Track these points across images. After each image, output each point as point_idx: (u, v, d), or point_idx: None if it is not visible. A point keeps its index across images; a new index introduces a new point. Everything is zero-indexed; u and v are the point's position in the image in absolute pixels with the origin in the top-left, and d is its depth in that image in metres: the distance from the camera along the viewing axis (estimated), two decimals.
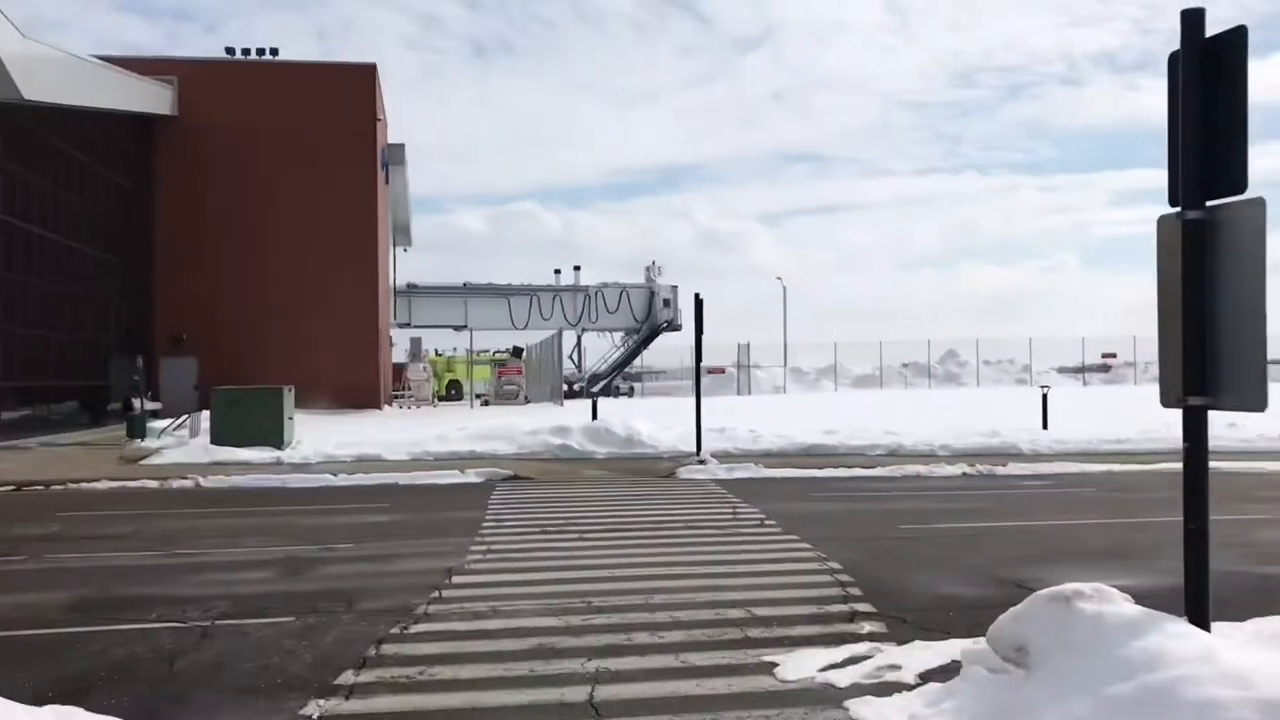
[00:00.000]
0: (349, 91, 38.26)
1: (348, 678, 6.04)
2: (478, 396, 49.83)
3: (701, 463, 18.23)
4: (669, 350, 64.87)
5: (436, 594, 8.18)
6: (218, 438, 21.16)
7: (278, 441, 21.12)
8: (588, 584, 8.42)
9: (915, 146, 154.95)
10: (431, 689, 5.84)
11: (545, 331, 52.80)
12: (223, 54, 39.03)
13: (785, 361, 65.48)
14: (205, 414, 22.71)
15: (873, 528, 11.51)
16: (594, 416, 23.70)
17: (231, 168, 36.43)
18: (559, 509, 13.14)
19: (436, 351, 61.28)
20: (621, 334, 63.24)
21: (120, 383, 30.77)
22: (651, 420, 23.16)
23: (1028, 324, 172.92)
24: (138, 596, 8.30)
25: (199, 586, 8.69)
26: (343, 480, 16.78)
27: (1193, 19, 4.73)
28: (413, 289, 57.00)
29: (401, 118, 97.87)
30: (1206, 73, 4.73)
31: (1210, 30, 4.82)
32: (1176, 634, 4.43)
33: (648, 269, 63.20)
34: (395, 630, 7.07)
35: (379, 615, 7.51)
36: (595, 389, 53.10)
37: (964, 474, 17.32)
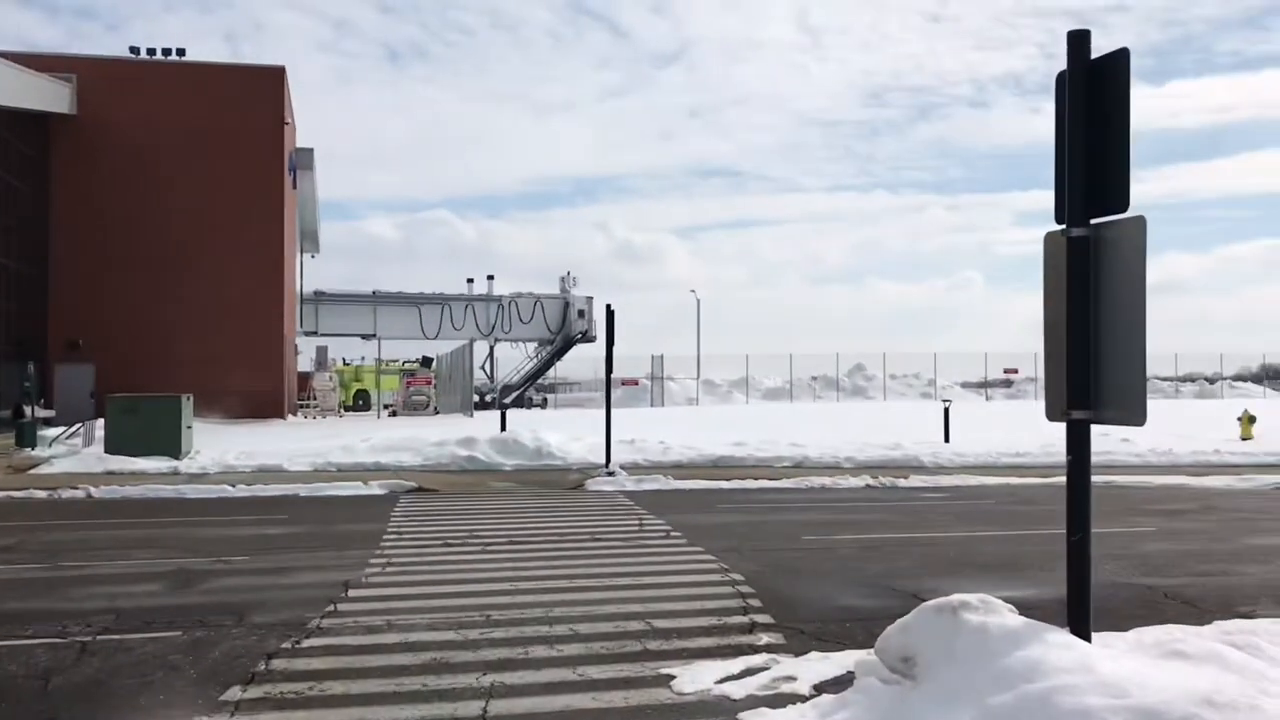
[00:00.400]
0: (256, 94, 37.56)
1: (234, 694, 5.86)
2: (386, 407, 49.12)
3: (610, 474, 18.20)
4: (583, 361, 64.76)
5: (332, 607, 8.01)
6: (112, 447, 20.56)
7: (175, 451, 20.61)
8: (487, 597, 8.32)
9: (827, 164, 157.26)
10: (320, 705, 5.70)
11: (457, 341, 52.29)
12: (126, 53, 38.08)
13: (698, 374, 65.82)
14: (100, 422, 22.06)
15: (776, 539, 11.58)
16: (503, 428, 23.53)
17: (133, 169, 35.51)
18: (462, 521, 12.99)
19: (344, 361, 60.23)
20: (535, 345, 62.96)
21: (11, 389, 29.73)
22: (562, 432, 23.11)
23: (934, 339, 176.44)
24: (15, 611, 7.98)
25: (82, 600, 8.39)
26: (241, 491, 16.40)
27: (1078, 40, 4.84)
28: (320, 296, 56.08)
29: (311, 122, 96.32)
30: (1091, 93, 4.84)
31: (1097, 53, 4.94)
32: (1057, 644, 4.51)
33: (563, 279, 63.08)
34: (286, 645, 6.90)
35: (270, 629, 7.32)
36: (508, 400, 52.77)
37: (867, 486, 17.55)
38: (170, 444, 20.71)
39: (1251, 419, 27.38)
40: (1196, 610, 7.79)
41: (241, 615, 7.77)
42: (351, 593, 8.59)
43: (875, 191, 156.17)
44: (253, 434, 27.36)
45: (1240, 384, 73.25)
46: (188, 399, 21.98)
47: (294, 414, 41.32)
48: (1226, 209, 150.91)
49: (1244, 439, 26.23)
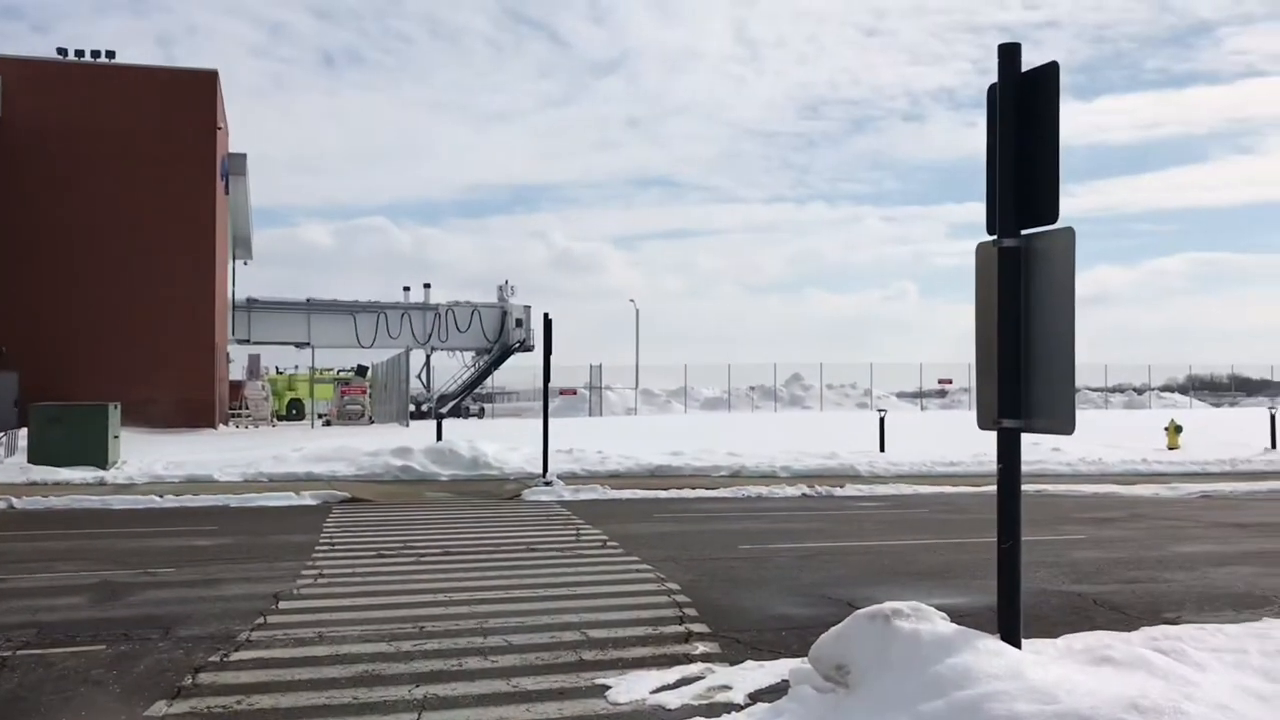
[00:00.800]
0: (188, 98, 36.92)
1: (159, 709, 5.72)
2: (320, 416, 48.52)
3: (548, 484, 18.11)
4: (521, 371, 64.52)
5: (261, 620, 7.86)
6: (36, 456, 20.07)
7: (101, 461, 20.16)
8: (421, 608, 8.23)
9: (764, 175, 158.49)
10: (248, 719, 5.58)
11: (393, 350, 51.83)
12: (54, 55, 37.25)
13: (637, 383, 65.90)
14: (23, 432, 21.54)
15: (712, 548, 11.59)
16: (439, 437, 23.33)
17: (59, 172, 34.70)
18: (396, 532, 12.85)
19: (277, 369, 59.48)
20: (472, 354, 62.62)
21: None
22: (499, 441, 23.00)
23: (870, 349, 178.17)
24: None
25: (2, 614, 8.13)
26: (169, 502, 16.08)
27: (1009, 53, 4.91)
28: (253, 304, 55.29)
29: (245, 127, 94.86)
30: (1022, 105, 4.91)
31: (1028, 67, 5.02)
32: (987, 651, 4.55)
33: (500, 288, 62.83)
34: (214, 658, 6.75)
35: (198, 642, 7.17)
36: (444, 409, 52.40)
37: (803, 495, 17.66)
38: (97, 454, 20.26)
39: (1178, 429, 28.02)
40: (1125, 616, 7.92)
41: (168, 628, 7.60)
42: (282, 604, 8.45)
43: (812, 202, 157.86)
44: (183, 443, 26.86)
45: (1167, 394, 75.04)
46: (115, 408, 21.52)
47: (226, 423, 40.63)
48: (1154, 223, 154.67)
49: (1171, 448, 26.83)
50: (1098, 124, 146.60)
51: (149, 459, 21.15)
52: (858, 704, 4.66)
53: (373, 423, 46.21)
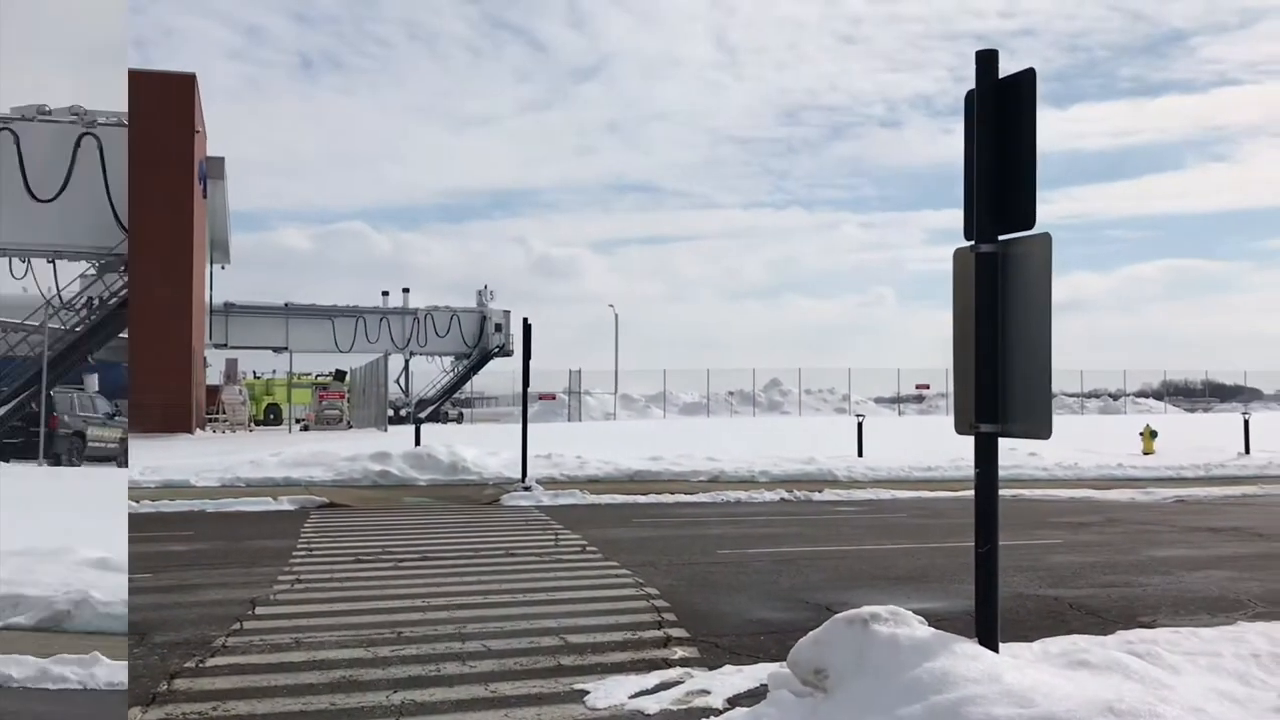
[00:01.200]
0: (165, 101, 36.66)
1: (134, 715, 5.68)
2: (298, 421, 48.25)
3: (527, 489, 18.07)
4: (501, 375, 64.42)
5: (237, 625, 7.81)
6: None
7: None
8: (399, 614, 8.19)
9: (743, 181, 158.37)
10: None
11: (371, 355, 51.65)
12: None
13: (616, 388, 65.85)
14: None
15: (691, 553, 11.60)
16: (417, 442, 23.24)
17: None
18: (375, 537, 12.80)
19: (255, 374, 59.15)
20: (452, 359, 62.50)
21: None
22: (478, 446, 22.94)
23: (848, 355, 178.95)
24: None
25: None
26: (145, 507, 15.94)
27: (986, 60, 4.94)
28: (230, 308, 55.00)
29: (223, 130, 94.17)
30: (999, 111, 4.94)
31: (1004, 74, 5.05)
32: (965, 655, 4.57)
33: (479, 293, 62.74)
34: (190, 664, 6.71)
35: (173, 648, 7.12)
36: (423, 414, 52.22)
37: (782, 499, 17.69)
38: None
39: (1153, 434, 28.22)
40: (1100, 620, 7.96)
41: (143, 634, 7.54)
42: (259, 610, 8.40)
43: (790, 208, 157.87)
44: (159, 448, 26.66)
45: (1142, 400, 75.51)
46: None
47: (203, 428, 40.37)
48: (1129, 229, 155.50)
49: (1146, 453, 27.00)
50: (1073, 131, 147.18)
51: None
52: (836, 708, 4.67)
53: (351, 428, 45.99)
